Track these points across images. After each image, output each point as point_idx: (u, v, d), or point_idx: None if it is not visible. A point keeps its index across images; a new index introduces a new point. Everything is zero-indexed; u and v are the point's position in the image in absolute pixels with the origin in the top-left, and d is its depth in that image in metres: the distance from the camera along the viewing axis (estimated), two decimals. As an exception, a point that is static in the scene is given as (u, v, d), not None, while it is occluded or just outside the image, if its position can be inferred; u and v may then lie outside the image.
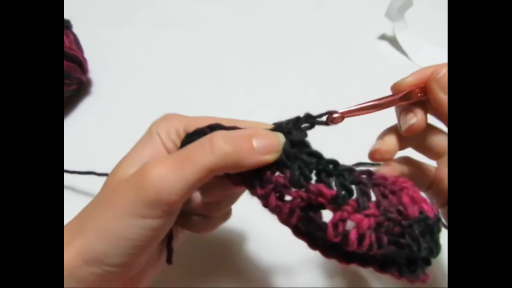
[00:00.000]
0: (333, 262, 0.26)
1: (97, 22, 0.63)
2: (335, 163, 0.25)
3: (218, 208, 0.32)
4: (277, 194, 0.25)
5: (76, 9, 0.59)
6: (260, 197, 0.25)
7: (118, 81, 0.56)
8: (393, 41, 0.60)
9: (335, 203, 0.23)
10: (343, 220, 0.22)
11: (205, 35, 0.62)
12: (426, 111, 0.30)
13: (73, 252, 0.25)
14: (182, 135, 0.29)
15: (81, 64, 0.51)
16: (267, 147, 0.25)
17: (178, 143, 0.29)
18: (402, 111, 0.31)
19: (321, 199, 0.23)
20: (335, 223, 0.22)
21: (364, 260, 0.25)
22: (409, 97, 0.30)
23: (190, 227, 0.32)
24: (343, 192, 0.23)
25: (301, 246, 0.27)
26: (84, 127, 0.51)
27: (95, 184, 0.44)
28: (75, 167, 0.44)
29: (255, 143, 0.25)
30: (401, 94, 0.30)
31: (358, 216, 0.22)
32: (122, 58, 0.59)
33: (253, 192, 0.26)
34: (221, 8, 0.67)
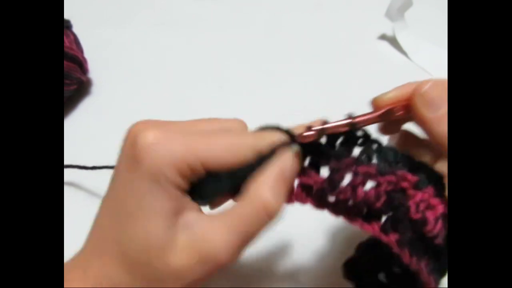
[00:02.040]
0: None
1: (97, 22, 0.63)
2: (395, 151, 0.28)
3: None
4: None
5: (76, 9, 0.59)
6: (343, 192, 0.26)
7: (118, 81, 0.56)
8: (393, 41, 0.60)
9: (417, 187, 0.26)
10: (424, 201, 0.25)
11: (205, 35, 0.62)
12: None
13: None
14: (198, 167, 0.24)
15: (81, 64, 0.51)
16: (295, 173, 0.27)
17: (192, 176, 0.24)
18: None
19: (404, 184, 0.26)
20: (417, 202, 0.25)
21: None
22: (390, 115, 0.28)
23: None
24: (424, 178, 0.26)
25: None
26: (84, 127, 0.51)
27: (98, 181, 0.44)
28: (74, 169, 0.44)
29: (287, 174, 0.26)
30: (379, 113, 0.28)
31: (436, 200, 0.26)
32: (122, 58, 0.59)
33: (333, 193, 0.26)
34: (221, 8, 0.67)
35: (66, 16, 0.52)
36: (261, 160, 0.26)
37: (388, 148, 0.28)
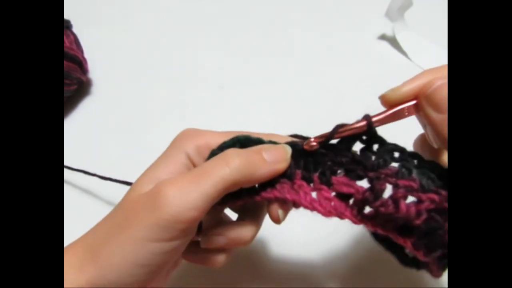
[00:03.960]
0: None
1: (97, 22, 0.63)
2: (438, 166, 0.27)
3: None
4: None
5: (76, 9, 0.59)
6: (384, 204, 0.25)
7: (118, 81, 0.56)
8: (393, 41, 0.60)
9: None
10: None
11: (205, 35, 0.62)
12: None
13: (84, 280, 0.24)
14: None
15: (81, 64, 0.51)
16: (275, 156, 0.27)
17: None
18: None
19: (447, 204, 0.24)
20: None
21: None
22: (400, 116, 0.28)
23: (203, 261, 0.30)
24: None
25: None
26: (84, 127, 0.51)
27: (95, 182, 0.44)
28: (75, 167, 0.44)
29: (265, 155, 0.27)
30: (389, 113, 0.28)
31: None
32: (122, 58, 0.59)
33: (376, 203, 0.25)
34: (221, 8, 0.67)
35: (66, 16, 0.52)
36: None
37: (430, 163, 0.27)
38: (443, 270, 0.25)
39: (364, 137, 0.28)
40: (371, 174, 0.26)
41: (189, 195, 0.24)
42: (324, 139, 0.28)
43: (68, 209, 0.36)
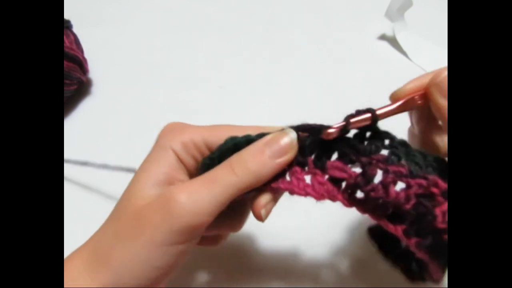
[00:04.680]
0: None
1: (97, 22, 0.63)
2: (424, 154, 0.28)
3: (230, 225, 0.31)
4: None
5: (76, 9, 0.59)
6: (375, 189, 0.26)
7: (118, 81, 0.56)
8: (393, 41, 0.60)
9: (445, 195, 0.25)
10: None
11: (205, 35, 0.62)
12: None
13: (98, 285, 0.24)
14: (203, 148, 0.28)
15: (81, 64, 0.51)
16: (280, 150, 0.27)
17: (199, 157, 0.29)
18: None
19: (434, 189, 0.25)
20: (444, 212, 0.24)
21: None
22: (409, 105, 0.29)
23: (200, 242, 0.31)
24: None
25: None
26: (84, 127, 0.51)
27: (98, 181, 0.44)
28: (75, 167, 0.44)
29: (268, 152, 0.27)
30: (399, 103, 0.29)
31: None
32: (122, 58, 0.59)
33: (367, 187, 0.26)
34: (222, 8, 0.67)
35: (66, 16, 0.52)
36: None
37: (417, 151, 0.28)
38: (443, 270, 0.25)
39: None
40: (363, 159, 0.27)
41: (201, 202, 0.25)
42: (341, 128, 0.28)
43: (68, 208, 0.36)
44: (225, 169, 0.26)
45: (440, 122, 0.30)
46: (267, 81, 0.56)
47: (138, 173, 0.28)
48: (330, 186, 0.27)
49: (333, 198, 0.27)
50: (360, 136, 0.29)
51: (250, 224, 0.32)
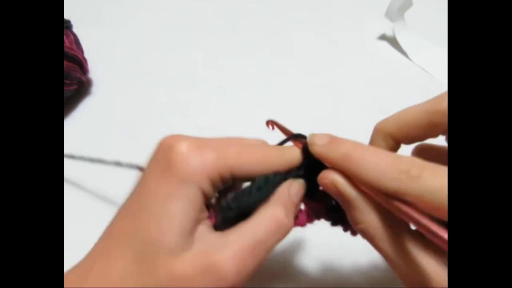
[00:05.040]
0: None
1: (97, 22, 0.63)
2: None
3: None
4: None
5: (76, 9, 0.59)
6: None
7: (118, 81, 0.56)
8: (393, 41, 0.60)
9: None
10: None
11: (205, 35, 0.62)
12: None
13: None
14: (228, 178, 0.25)
15: (81, 64, 0.51)
16: (300, 199, 0.27)
17: (222, 187, 0.25)
18: None
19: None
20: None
21: None
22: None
23: None
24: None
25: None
26: (84, 127, 0.51)
27: (98, 180, 0.44)
28: (75, 167, 0.44)
29: (294, 198, 0.26)
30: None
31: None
32: (122, 58, 0.59)
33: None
34: (221, 8, 0.67)
35: (66, 16, 0.52)
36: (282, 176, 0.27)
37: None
38: None
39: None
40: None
41: (246, 269, 0.23)
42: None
43: (68, 208, 0.36)
44: (271, 229, 0.24)
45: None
46: (267, 81, 0.56)
47: (160, 217, 0.23)
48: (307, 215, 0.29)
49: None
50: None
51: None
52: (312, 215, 0.29)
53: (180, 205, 0.23)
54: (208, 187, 0.24)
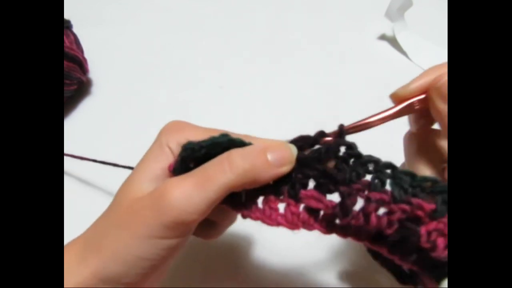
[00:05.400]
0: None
1: (97, 22, 0.63)
2: (412, 175, 0.26)
3: (228, 216, 0.32)
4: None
5: (76, 9, 0.59)
6: (355, 217, 0.25)
7: (118, 81, 0.56)
8: (393, 41, 0.60)
9: (433, 217, 0.24)
10: (438, 230, 0.24)
11: (205, 35, 0.62)
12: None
13: (88, 272, 0.25)
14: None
15: (81, 64, 0.51)
16: (281, 159, 0.27)
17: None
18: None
19: (419, 212, 0.24)
20: (429, 232, 0.24)
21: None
22: (408, 110, 0.29)
23: (198, 234, 0.31)
24: (442, 207, 0.24)
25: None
26: (84, 127, 0.51)
27: (98, 179, 0.44)
28: (75, 167, 0.44)
29: (269, 156, 0.26)
30: (399, 107, 0.29)
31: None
32: (122, 58, 0.59)
33: (346, 219, 0.25)
34: (221, 8, 0.67)
35: (66, 16, 0.52)
36: None
37: (403, 173, 0.26)
38: (436, 281, 0.25)
39: (340, 152, 0.27)
40: (342, 188, 0.26)
41: (192, 200, 0.25)
42: (337, 135, 0.28)
43: (68, 207, 0.36)
44: (220, 166, 0.26)
45: (439, 127, 0.30)
46: (267, 81, 0.56)
47: (135, 169, 0.28)
48: (305, 216, 0.27)
49: (309, 228, 0.26)
50: (343, 162, 0.27)
51: (249, 225, 0.32)
52: (309, 218, 0.27)
53: (152, 157, 0.28)
54: (175, 148, 0.28)
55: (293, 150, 0.27)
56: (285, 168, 0.27)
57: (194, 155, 0.27)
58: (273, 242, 0.39)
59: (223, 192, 0.25)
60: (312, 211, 0.26)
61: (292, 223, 0.26)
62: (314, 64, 0.58)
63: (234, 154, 0.26)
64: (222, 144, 0.27)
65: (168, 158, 0.28)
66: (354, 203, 0.25)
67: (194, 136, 0.28)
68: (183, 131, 0.28)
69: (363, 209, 0.25)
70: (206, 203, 0.25)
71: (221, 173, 0.25)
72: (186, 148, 0.27)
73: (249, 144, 0.27)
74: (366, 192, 0.25)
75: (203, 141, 0.27)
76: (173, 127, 0.29)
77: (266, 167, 0.26)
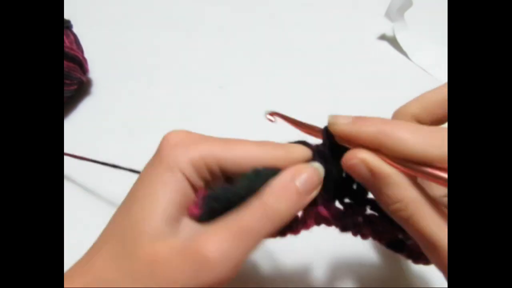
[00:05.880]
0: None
1: (97, 22, 0.63)
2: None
3: None
4: None
5: (76, 9, 0.59)
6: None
7: (118, 81, 0.56)
8: (393, 41, 0.60)
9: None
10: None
11: (205, 35, 0.62)
12: None
13: None
14: (215, 169, 0.24)
15: (81, 64, 0.51)
16: (310, 187, 0.24)
17: (209, 178, 0.24)
18: None
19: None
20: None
21: None
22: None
23: None
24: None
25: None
26: (84, 127, 0.51)
27: (99, 179, 0.44)
28: (75, 167, 0.44)
29: (298, 183, 0.24)
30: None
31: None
32: (122, 58, 0.59)
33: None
34: (221, 8, 0.67)
35: (66, 16, 0.52)
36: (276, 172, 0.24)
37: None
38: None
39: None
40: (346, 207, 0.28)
41: (231, 256, 0.22)
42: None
43: (68, 208, 0.36)
44: (256, 214, 0.23)
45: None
46: (267, 81, 0.56)
47: (142, 201, 0.23)
48: (311, 223, 0.28)
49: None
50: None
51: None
52: (321, 220, 0.27)
53: (163, 187, 0.23)
54: (192, 173, 0.24)
55: (320, 171, 0.25)
56: (314, 194, 0.25)
57: (230, 206, 0.24)
58: (273, 242, 0.39)
59: (262, 241, 0.23)
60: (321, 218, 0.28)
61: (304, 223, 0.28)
62: (314, 64, 0.58)
63: (267, 198, 0.23)
64: (256, 185, 0.24)
65: (181, 186, 0.23)
66: (355, 222, 0.28)
67: (209, 151, 0.24)
68: (195, 145, 0.24)
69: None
70: (246, 256, 0.23)
71: (258, 222, 0.23)
72: (218, 198, 0.24)
73: (275, 171, 0.24)
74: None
75: (239, 188, 0.24)
76: (180, 142, 0.24)
77: (299, 202, 0.24)
